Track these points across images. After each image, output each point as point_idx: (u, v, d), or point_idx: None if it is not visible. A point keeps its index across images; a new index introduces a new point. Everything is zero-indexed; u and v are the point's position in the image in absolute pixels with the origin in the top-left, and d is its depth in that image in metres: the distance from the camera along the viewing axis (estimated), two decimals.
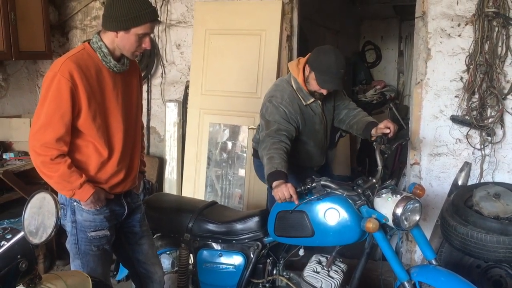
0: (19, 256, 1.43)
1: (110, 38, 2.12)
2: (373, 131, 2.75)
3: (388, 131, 2.67)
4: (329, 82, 2.66)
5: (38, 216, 1.46)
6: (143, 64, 4.10)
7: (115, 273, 2.74)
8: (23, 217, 1.47)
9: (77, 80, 2.04)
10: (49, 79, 2.04)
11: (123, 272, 2.71)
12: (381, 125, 2.69)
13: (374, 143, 2.54)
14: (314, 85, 2.70)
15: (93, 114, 2.11)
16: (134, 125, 2.36)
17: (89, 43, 2.17)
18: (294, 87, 2.77)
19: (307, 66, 2.72)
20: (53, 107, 2.03)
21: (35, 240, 1.44)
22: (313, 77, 2.67)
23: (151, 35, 2.19)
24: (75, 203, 2.20)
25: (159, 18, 2.21)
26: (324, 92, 2.71)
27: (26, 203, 1.50)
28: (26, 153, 3.79)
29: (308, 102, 2.78)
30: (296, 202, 2.34)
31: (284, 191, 2.33)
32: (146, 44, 2.15)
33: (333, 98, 2.95)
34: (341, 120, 3.01)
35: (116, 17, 2.05)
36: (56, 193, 2.20)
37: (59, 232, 2.29)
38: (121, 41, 2.10)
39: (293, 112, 2.73)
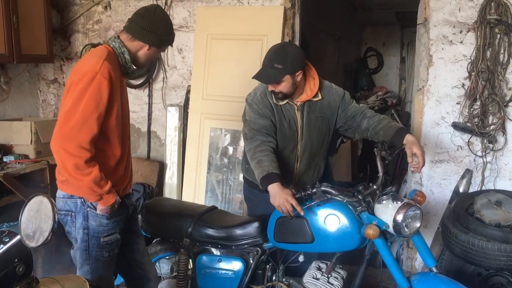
0: (16, 260, 1.43)
1: (137, 47, 2.23)
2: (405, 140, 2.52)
3: (410, 160, 2.47)
4: (259, 73, 2.56)
5: (35, 220, 1.46)
6: (144, 68, 4.10)
7: (113, 277, 2.73)
8: (20, 220, 1.46)
9: (114, 82, 2.11)
10: (87, 78, 2.05)
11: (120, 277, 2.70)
12: (410, 150, 2.46)
13: (375, 149, 2.52)
14: None
15: (119, 116, 2.18)
16: (129, 127, 2.45)
17: (110, 47, 2.22)
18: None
19: None
20: (92, 106, 2.04)
21: (32, 244, 1.43)
22: None
23: None
24: (88, 209, 2.20)
25: None
26: (268, 87, 2.58)
27: (23, 206, 1.49)
28: (26, 156, 3.79)
29: (281, 103, 2.64)
30: (302, 213, 2.32)
31: (284, 203, 2.30)
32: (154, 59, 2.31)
33: (322, 110, 2.71)
34: (365, 130, 2.72)
35: (158, 34, 2.21)
36: (54, 197, 2.19)
37: (59, 235, 2.29)
38: (148, 54, 2.26)
39: (263, 108, 2.63)
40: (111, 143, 2.19)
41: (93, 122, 2.05)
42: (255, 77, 2.57)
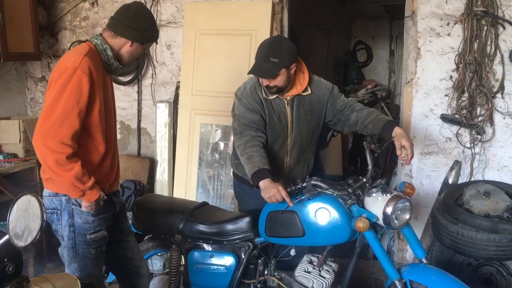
0: (5, 259, 1.42)
1: (119, 44, 2.23)
2: (394, 133, 2.52)
3: (399, 153, 2.47)
4: (254, 69, 2.53)
5: (24, 219, 1.45)
6: (133, 65, 4.08)
7: (105, 275, 2.73)
8: (8, 220, 1.45)
9: (95, 78, 2.10)
10: (67, 74, 2.04)
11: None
12: (398, 143, 2.47)
13: (364, 142, 2.53)
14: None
15: (102, 112, 2.17)
16: (116, 124, 2.45)
17: (92, 44, 2.21)
18: (260, 80, 2.67)
19: None
20: (72, 102, 2.03)
21: (21, 243, 1.43)
22: None
23: None
24: (73, 207, 2.20)
25: None
26: (263, 82, 2.56)
27: (11, 206, 1.48)
28: (15, 155, 3.77)
29: (271, 97, 2.64)
30: (291, 205, 2.33)
31: (276, 194, 2.31)
32: (139, 56, 2.34)
33: (312, 104, 2.71)
34: (353, 123, 2.72)
35: (140, 30, 2.21)
36: (41, 196, 2.19)
37: (50, 234, 2.29)
38: (131, 51, 2.26)
39: (253, 102, 2.63)
40: (94, 139, 2.18)
41: (74, 118, 2.04)
42: (252, 72, 2.56)
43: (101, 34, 2.25)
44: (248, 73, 2.58)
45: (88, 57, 2.10)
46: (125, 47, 2.24)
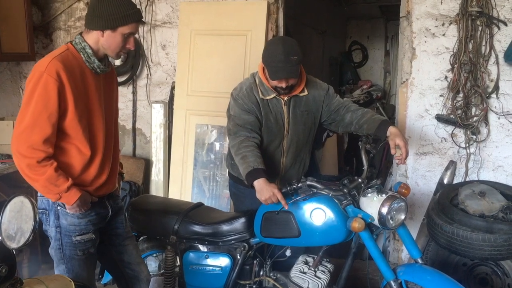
0: None
1: (94, 38, 2.13)
2: (388, 132, 2.53)
3: (393, 152, 2.46)
4: (278, 72, 2.48)
5: (16, 220, 1.44)
6: (128, 65, 4.07)
7: (100, 276, 2.72)
8: (0, 221, 1.44)
9: (64, 80, 2.02)
10: (35, 78, 2.00)
11: (108, 275, 2.68)
12: (393, 142, 2.46)
13: (360, 142, 2.53)
14: (270, 81, 2.57)
15: (80, 114, 2.10)
16: (114, 127, 2.37)
17: (72, 44, 2.15)
18: (256, 81, 2.67)
19: (261, 63, 2.61)
20: (40, 107, 1.99)
21: (13, 245, 1.42)
22: (267, 72, 2.56)
23: (135, 36, 2.18)
24: (59, 208, 2.17)
25: (143, 19, 2.23)
26: (281, 84, 2.52)
27: (4, 207, 1.47)
28: (9, 156, 3.73)
29: (268, 97, 2.63)
30: (286, 207, 2.33)
31: (272, 198, 2.31)
32: (130, 45, 2.18)
33: (308, 104, 2.72)
34: (348, 123, 2.71)
35: (104, 16, 2.06)
36: (35, 197, 2.16)
37: (44, 235, 2.27)
38: (107, 40, 2.12)
39: (249, 103, 2.61)
40: (74, 142, 2.13)
41: (43, 123, 2.00)
42: (279, 76, 2.49)
43: (81, 33, 2.17)
44: (273, 79, 2.52)
45: (58, 59, 2.03)
46: (100, 39, 2.12)
